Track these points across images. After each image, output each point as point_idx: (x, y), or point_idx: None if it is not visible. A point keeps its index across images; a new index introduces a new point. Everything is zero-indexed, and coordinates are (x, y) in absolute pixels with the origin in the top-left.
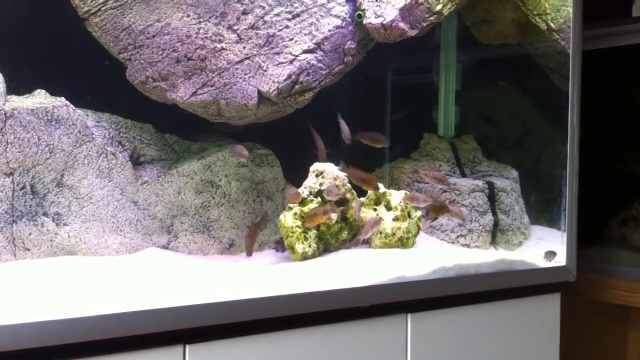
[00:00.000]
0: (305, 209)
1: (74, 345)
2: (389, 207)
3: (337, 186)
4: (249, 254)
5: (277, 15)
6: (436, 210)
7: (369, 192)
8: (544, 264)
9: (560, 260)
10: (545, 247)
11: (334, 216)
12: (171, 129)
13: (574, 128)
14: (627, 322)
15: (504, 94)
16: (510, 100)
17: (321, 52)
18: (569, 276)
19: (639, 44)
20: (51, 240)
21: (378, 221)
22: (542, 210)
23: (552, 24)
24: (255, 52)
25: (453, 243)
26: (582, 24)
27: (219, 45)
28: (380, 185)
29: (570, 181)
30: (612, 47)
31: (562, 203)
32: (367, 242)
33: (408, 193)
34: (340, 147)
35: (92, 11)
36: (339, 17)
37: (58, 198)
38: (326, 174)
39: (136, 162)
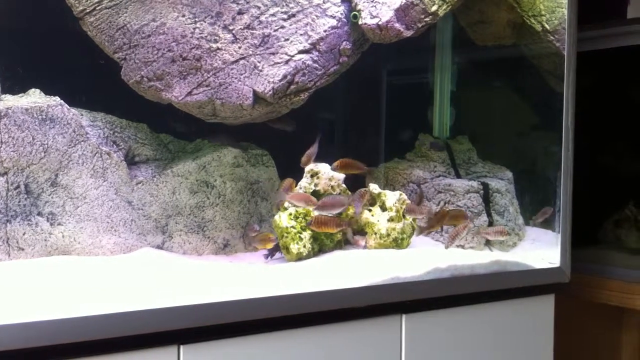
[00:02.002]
0: (301, 208)
1: (67, 345)
2: (383, 208)
3: (337, 195)
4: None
5: (273, 15)
6: (452, 219)
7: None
8: (538, 264)
9: (555, 261)
10: (540, 249)
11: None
12: (167, 128)
13: (568, 129)
14: (621, 323)
15: (499, 94)
16: (505, 101)
17: (317, 53)
18: (563, 277)
19: (634, 45)
20: (45, 240)
21: (364, 194)
22: (537, 212)
23: (547, 25)
24: (250, 52)
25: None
26: (576, 25)
27: (214, 45)
28: (376, 186)
29: (564, 182)
30: (606, 48)
31: (556, 204)
32: (364, 243)
33: (408, 204)
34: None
35: (87, 10)
36: (334, 17)
37: (52, 198)
38: (321, 175)
39: (131, 161)
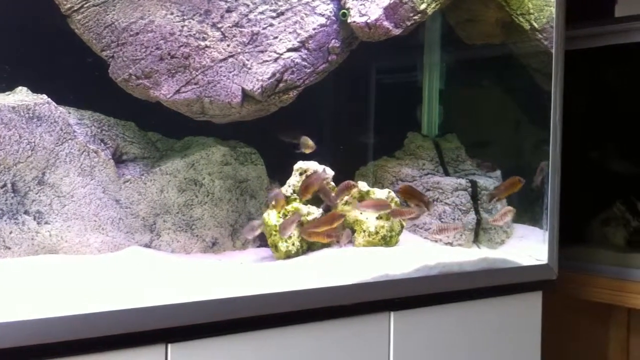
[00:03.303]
0: (289, 207)
1: (54, 344)
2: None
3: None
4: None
5: (262, 13)
6: (508, 189)
7: (352, 191)
8: (526, 261)
9: (542, 258)
10: (527, 246)
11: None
12: (156, 127)
13: (556, 127)
14: (608, 320)
15: (488, 93)
16: (494, 99)
17: (305, 51)
18: (551, 274)
19: (621, 44)
20: (32, 239)
21: (349, 186)
22: (525, 209)
23: (535, 24)
24: (239, 50)
25: (436, 241)
26: (564, 24)
27: (202, 43)
28: (364, 184)
29: (552, 180)
30: (594, 47)
31: (544, 202)
32: (351, 241)
33: (393, 209)
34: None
35: (75, 8)
36: (323, 15)
37: (39, 196)
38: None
39: (119, 160)
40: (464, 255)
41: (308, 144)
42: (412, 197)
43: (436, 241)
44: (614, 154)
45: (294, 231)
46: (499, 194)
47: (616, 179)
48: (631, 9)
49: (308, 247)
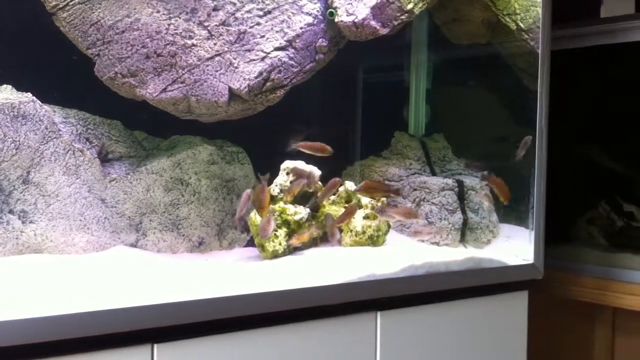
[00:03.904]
0: (277, 206)
1: (38, 344)
2: (359, 206)
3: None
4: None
5: (249, 12)
6: (497, 184)
7: (340, 190)
8: (512, 261)
9: (528, 258)
10: (514, 245)
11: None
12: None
13: (542, 127)
14: (594, 319)
15: (474, 93)
16: (480, 100)
17: (293, 50)
18: (537, 274)
19: (607, 44)
20: (17, 238)
21: (335, 183)
22: (511, 209)
23: (521, 24)
24: (226, 49)
25: (422, 241)
26: (550, 24)
27: (189, 42)
28: (351, 184)
29: (538, 180)
30: (580, 47)
31: (530, 202)
32: (338, 241)
33: (380, 205)
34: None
35: (60, 6)
36: (310, 14)
37: (24, 195)
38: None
39: (104, 159)
40: (450, 255)
41: (326, 149)
42: (378, 192)
43: (423, 241)
44: (600, 153)
45: (280, 231)
46: (489, 182)
47: (602, 179)
48: (617, 9)
49: (295, 246)
